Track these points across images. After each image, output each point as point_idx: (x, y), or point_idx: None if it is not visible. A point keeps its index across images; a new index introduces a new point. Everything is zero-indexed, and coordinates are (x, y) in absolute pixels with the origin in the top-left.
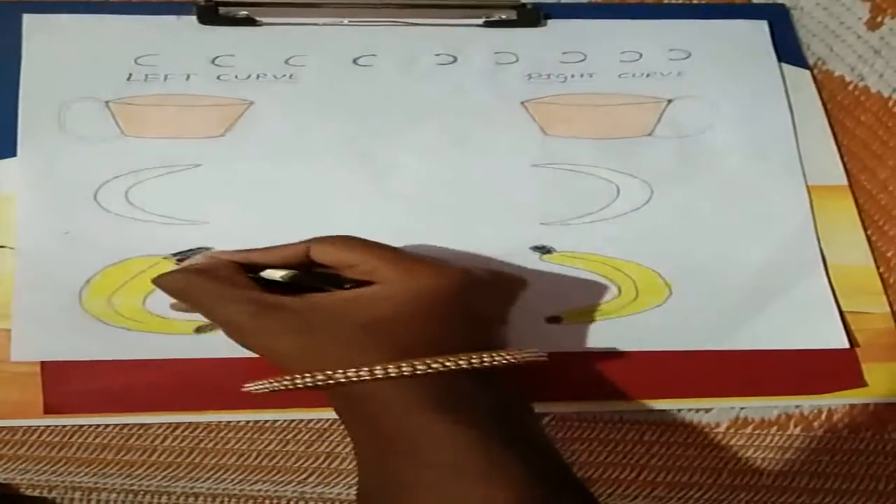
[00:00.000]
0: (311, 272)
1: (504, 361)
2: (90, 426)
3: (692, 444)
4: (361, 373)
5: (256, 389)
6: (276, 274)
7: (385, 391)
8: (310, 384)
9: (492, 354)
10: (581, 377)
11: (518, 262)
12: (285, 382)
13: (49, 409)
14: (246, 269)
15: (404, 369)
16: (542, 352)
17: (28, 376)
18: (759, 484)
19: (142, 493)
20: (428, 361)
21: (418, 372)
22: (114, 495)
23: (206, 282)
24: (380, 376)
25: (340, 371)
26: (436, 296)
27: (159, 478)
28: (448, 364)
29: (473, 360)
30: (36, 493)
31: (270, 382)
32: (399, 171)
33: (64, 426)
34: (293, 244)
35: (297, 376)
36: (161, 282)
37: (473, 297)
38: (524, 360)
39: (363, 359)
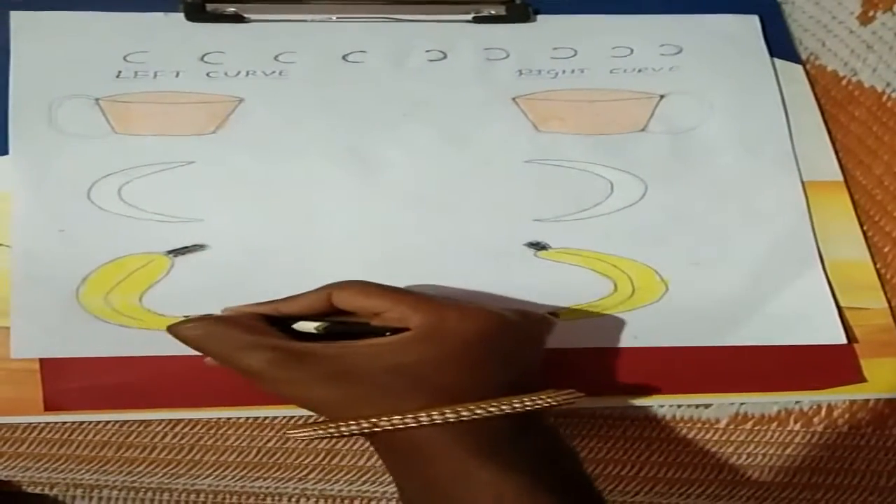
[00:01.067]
0: (344, 321)
1: (545, 405)
2: (90, 423)
3: (692, 440)
4: (407, 419)
5: (301, 436)
6: (309, 326)
7: (430, 437)
8: (355, 432)
9: (532, 398)
10: (579, 374)
11: (513, 259)
12: (331, 430)
13: (49, 406)
14: (272, 321)
15: (448, 415)
16: (578, 392)
17: (27, 373)
18: (761, 480)
19: (143, 490)
20: (471, 407)
21: (463, 418)
22: (115, 492)
23: (225, 330)
24: (424, 422)
25: (385, 418)
26: (470, 339)
27: (160, 475)
28: (491, 409)
29: (515, 405)
30: (37, 491)
31: (315, 430)
32: (391, 167)
33: (64, 423)
34: (314, 291)
35: (343, 423)
36: (176, 331)
37: (505, 339)
38: (564, 402)
39: (404, 405)
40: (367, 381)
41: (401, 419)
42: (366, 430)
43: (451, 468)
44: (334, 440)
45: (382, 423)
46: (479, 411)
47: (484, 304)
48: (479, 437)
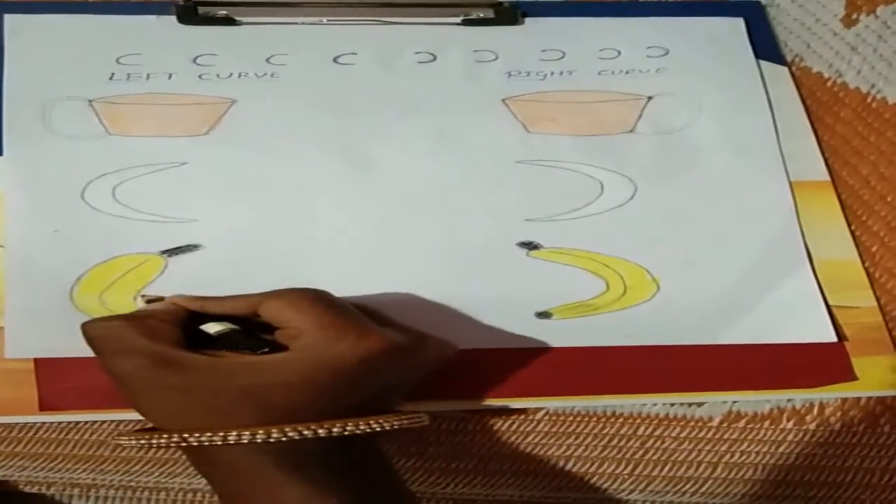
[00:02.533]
0: (241, 330)
1: (363, 429)
2: (86, 423)
3: (686, 438)
4: (215, 438)
5: (124, 443)
6: (211, 328)
7: (243, 454)
8: (162, 444)
9: (347, 422)
10: (573, 372)
11: (505, 259)
12: (144, 440)
13: (44, 406)
14: (198, 318)
15: (258, 436)
16: (422, 415)
17: (23, 373)
18: (754, 478)
19: (140, 489)
20: (286, 429)
21: (272, 439)
22: (112, 491)
23: (122, 331)
24: (231, 441)
25: (196, 434)
26: (336, 364)
27: (156, 474)
28: (305, 432)
29: (332, 428)
30: (35, 490)
31: (137, 439)
32: (383, 168)
33: (60, 423)
34: (248, 295)
35: (156, 435)
36: (84, 328)
37: (384, 365)
38: (393, 426)
39: (228, 423)
40: (206, 397)
41: (209, 437)
42: (174, 444)
43: (261, 484)
44: (163, 449)
45: (191, 440)
46: (291, 433)
47: (389, 328)
48: (293, 457)
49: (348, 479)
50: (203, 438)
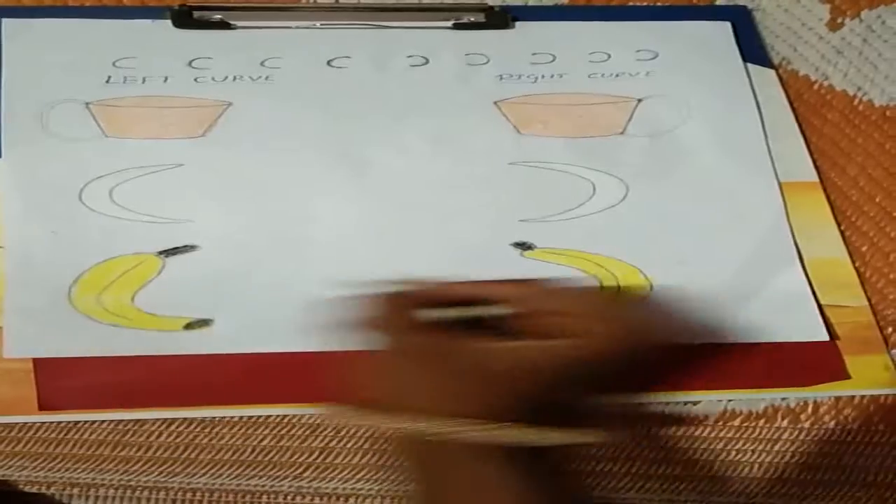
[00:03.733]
0: (479, 318)
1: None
2: (85, 422)
3: (681, 436)
4: (447, 426)
5: (337, 420)
6: (448, 313)
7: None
8: (400, 429)
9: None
10: None
11: (499, 259)
12: (365, 419)
13: (43, 406)
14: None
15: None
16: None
17: (21, 373)
18: (749, 476)
19: (139, 488)
20: (514, 429)
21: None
22: (111, 491)
23: (398, 308)
24: (463, 433)
25: (426, 421)
26: (594, 356)
27: (156, 473)
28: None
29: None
30: (34, 490)
31: (350, 413)
32: (377, 169)
33: (59, 422)
34: (503, 282)
35: (376, 417)
36: (361, 305)
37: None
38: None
39: (471, 408)
40: (463, 379)
41: (443, 425)
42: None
43: (477, 476)
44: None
45: (409, 425)
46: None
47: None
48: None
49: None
50: (422, 426)
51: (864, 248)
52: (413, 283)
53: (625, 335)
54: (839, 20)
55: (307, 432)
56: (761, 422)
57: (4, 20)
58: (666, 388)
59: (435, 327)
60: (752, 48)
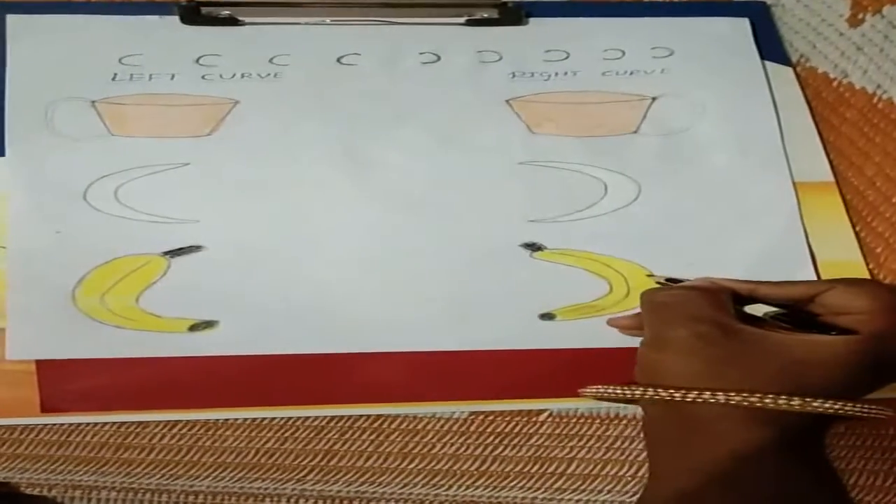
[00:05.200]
0: (789, 314)
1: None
2: (88, 425)
3: None
4: (704, 395)
5: (591, 395)
6: (761, 310)
7: (731, 425)
8: (670, 396)
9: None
10: (576, 374)
11: (509, 260)
12: (620, 392)
13: (46, 408)
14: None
15: (749, 399)
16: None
17: (24, 375)
18: None
19: (142, 491)
20: (767, 400)
21: (758, 404)
22: (113, 493)
23: (692, 298)
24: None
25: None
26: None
27: (158, 476)
28: (793, 404)
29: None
30: (36, 492)
31: (604, 390)
32: (385, 168)
33: (62, 425)
34: (809, 282)
35: (639, 389)
36: (652, 295)
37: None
38: (866, 413)
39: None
40: (751, 367)
41: (696, 394)
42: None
43: (742, 451)
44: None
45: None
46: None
47: None
48: (776, 430)
49: (815, 468)
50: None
51: (878, 250)
52: (720, 281)
53: None
54: (860, 16)
55: (311, 434)
56: None
57: (9, 16)
58: None
59: (752, 320)
60: (771, 45)
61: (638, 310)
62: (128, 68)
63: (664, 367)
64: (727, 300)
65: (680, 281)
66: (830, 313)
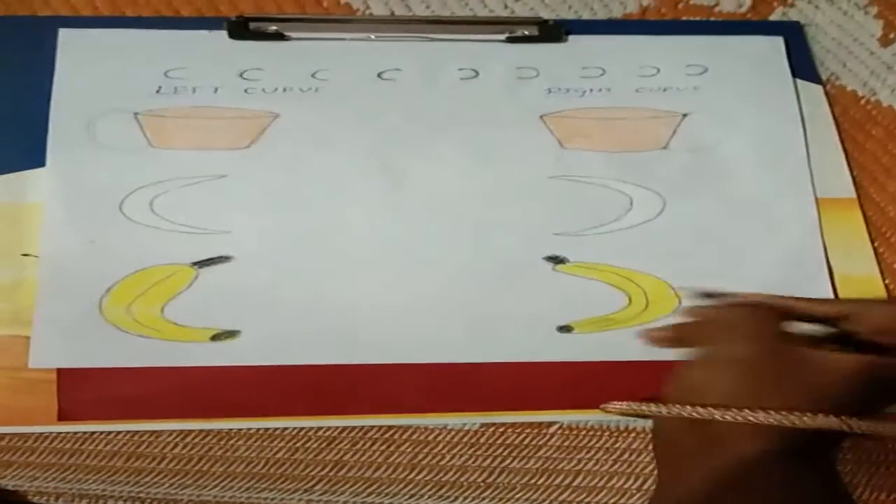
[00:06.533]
0: (842, 337)
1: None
2: (101, 433)
3: None
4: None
5: (615, 411)
6: (803, 326)
7: (751, 445)
8: (663, 413)
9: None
10: (591, 386)
11: (531, 272)
12: (645, 408)
13: (63, 416)
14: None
15: (772, 417)
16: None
17: (44, 383)
18: None
19: (149, 500)
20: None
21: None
22: (121, 503)
23: (744, 315)
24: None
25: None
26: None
27: (167, 485)
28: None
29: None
30: (43, 501)
31: (628, 406)
32: (418, 181)
33: (76, 433)
34: (843, 301)
35: (653, 405)
36: (700, 312)
37: None
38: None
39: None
40: (784, 384)
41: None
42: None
43: (751, 464)
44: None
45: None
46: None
47: None
48: (792, 442)
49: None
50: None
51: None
52: (768, 297)
53: None
54: (892, 35)
55: (321, 445)
56: None
57: (61, 29)
58: None
59: (798, 338)
60: (802, 64)
61: (671, 321)
62: (172, 81)
63: (710, 384)
64: (777, 319)
65: (716, 295)
66: (876, 332)
